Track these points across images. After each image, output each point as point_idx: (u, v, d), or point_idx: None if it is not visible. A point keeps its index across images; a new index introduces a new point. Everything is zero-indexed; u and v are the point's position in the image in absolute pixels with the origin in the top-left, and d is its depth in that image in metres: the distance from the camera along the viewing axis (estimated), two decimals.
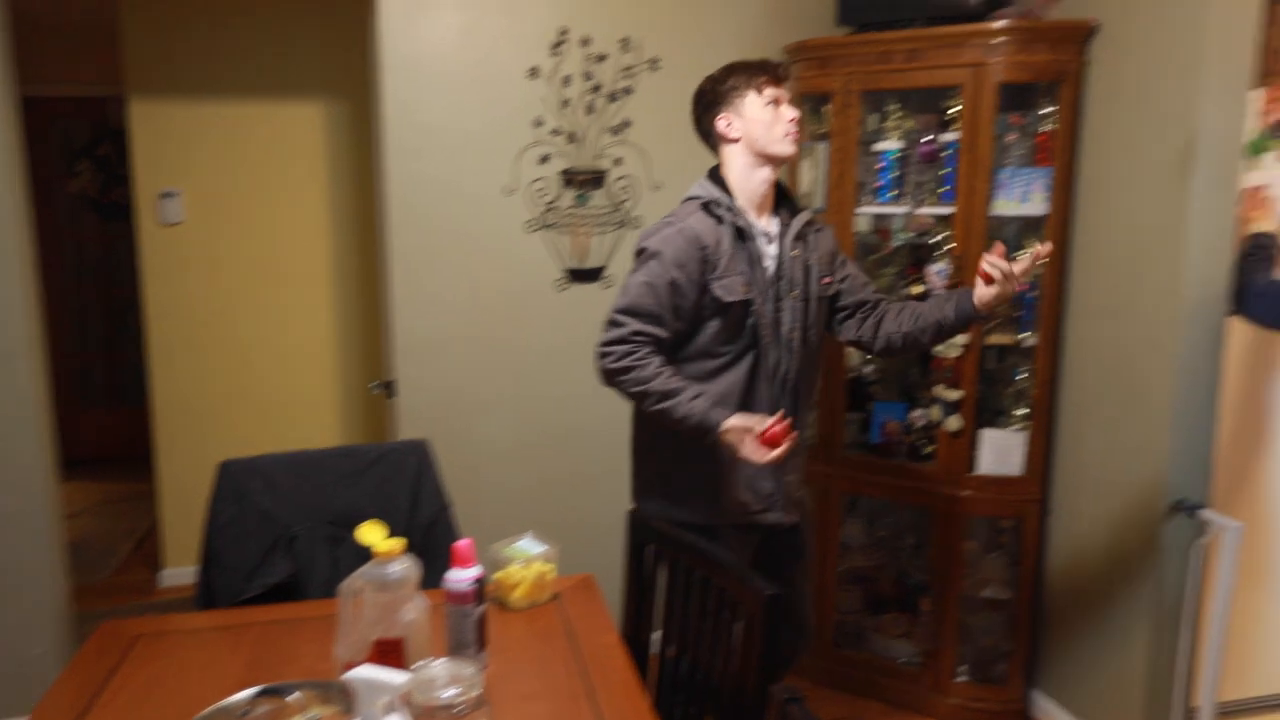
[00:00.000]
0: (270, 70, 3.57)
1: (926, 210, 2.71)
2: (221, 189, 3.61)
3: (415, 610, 1.52)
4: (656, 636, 1.91)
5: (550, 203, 2.90)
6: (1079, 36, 2.47)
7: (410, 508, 2.20)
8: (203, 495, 2.10)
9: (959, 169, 2.57)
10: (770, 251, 2.03)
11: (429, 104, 2.76)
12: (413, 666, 1.40)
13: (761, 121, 1.99)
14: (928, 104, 2.74)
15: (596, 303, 2.99)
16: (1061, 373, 2.66)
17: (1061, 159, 2.53)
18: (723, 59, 2.91)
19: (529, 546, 1.94)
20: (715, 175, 2.06)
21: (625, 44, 2.86)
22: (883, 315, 2.13)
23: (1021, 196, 2.58)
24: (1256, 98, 2.35)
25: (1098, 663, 2.59)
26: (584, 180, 2.91)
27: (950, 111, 2.64)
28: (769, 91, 1.99)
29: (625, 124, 2.90)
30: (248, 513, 2.04)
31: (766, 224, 2.04)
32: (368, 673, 1.24)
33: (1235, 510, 2.51)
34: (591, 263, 2.97)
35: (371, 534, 1.53)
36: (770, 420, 1.84)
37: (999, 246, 1.92)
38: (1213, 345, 2.30)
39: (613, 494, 3.05)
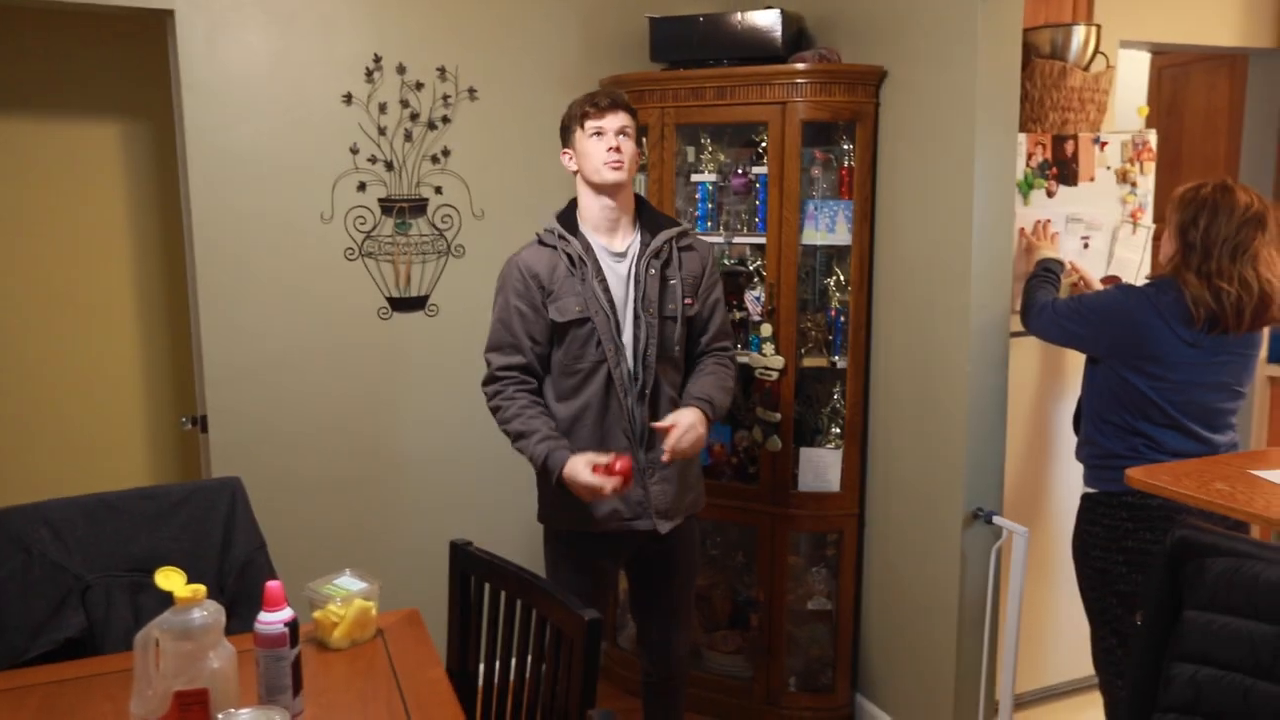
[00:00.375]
0: (59, 87, 3.33)
1: (742, 239, 2.83)
2: (2, 211, 3.32)
3: (220, 658, 1.44)
4: (485, 668, 1.89)
5: (370, 231, 2.84)
6: (870, 80, 2.66)
7: (222, 549, 2.08)
8: None
9: (769, 200, 2.71)
10: (623, 270, 2.14)
11: (234, 128, 2.66)
12: (217, 718, 1.33)
13: (585, 153, 2.11)
14: (740, 138, 2.87)
15: (421, 331, 2.95)
16: (870, 393, 2.83)
17: (861, 192, 2.71)
18: (540, 91, 2.98)
19: (348, 583, 1.88)
20: (570, 205, 2.20)
21: (442, 73, 2.85)
22: (691, 373, 2.26)
23: (828, 227, 2.74)
24: (1022, 141, 2.60)
25: (912, 664, 2.75)
26: (404, 208, 2.87)
27: (760, 146, 2.78)
28: (590, 124, 2.10)
29: (445, 152, 2.89)
30: (33, 564, 1.87)
31: (621, 244, 2.15)
32: None
33: (1024, 516, 2.74)
34: (415, 291, 2.92)
35: (170, 580, 1.44)
36: (611, 458, 1.99)
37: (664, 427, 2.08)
38: (999, 364, 2.51)
39: (438, 525, 3.00)
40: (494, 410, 2.15)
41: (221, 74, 2.63)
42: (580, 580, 2.23)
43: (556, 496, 2.15)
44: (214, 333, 2.71)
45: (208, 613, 1.43)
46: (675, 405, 2.19)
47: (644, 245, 2.15)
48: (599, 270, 2.11)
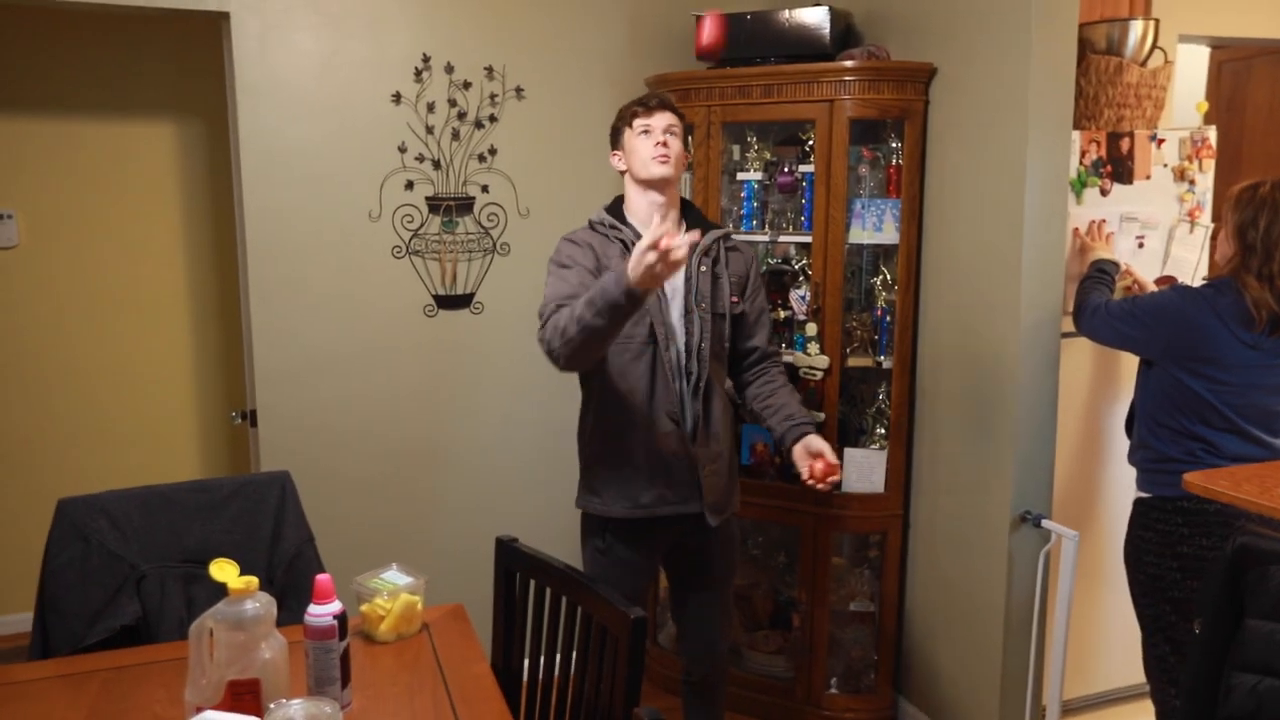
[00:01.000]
0: (115, 88, 3.42)
1: (787, 238, 2.82)
2: (61, 210, 3.41)
3: (272, 649, 1.46)
4: (530, 664, 1.90)
5: (417, 229, 2.87)
6: (920, 78, 2.63)
7: (271, 542, 2.12)
8: (40, 536, 1.96)
9: (816, 199, 2.68)
10: None
11: (286, 128, 2.70)
12: (269, 707, 1.35)
13: (633, 150, 2.15)
14: (786, 136, 2.85)
15: (467, 329, 2.97)
16: (916, 393, 2.80)
17: (909, 191, 2.67)
18: (586, 90, 2.99)
19: (395, 578, 1.90)
20: (617, 201, 2.23)
21: (490, 72, 2.87)
22: (752, 380, 2.28)
23: (875, 226, 2.71)
24: (1076, 139, 2.55)
25: (956, 668, 2.71)
26: (451, 206, 2.90)
27: (807, 144, 2.76)
28: (638, 122, 2.15)
29: (492, 151, 2.91)
30: (91, 553, 1.92)
31: None
32: (215, 718, 1.19)
33: (1074, 520, 2.69)
34: (461, 289, 2.95)
35: (224, 571, 1.47)
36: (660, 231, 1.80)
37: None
38: (1050, 365, 2.47)
39: (483, 522, 3.03)
40: (551, 332, 1.99)
41: (274, 75, 2.67)
42: (620, 572, 2.23)
43: (601, 479, 2.19)
44: (264, 329, 2.76)
45: (260, 604, 1.45)
46: (725, 401, 2.22)
47: (692, 245, 2.15)
48: (637, 237, 2.12)
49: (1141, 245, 2.69)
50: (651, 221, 2.15)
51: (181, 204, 3.55)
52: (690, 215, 2.25)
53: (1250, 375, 2.13)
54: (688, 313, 2.15)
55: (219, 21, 2.67)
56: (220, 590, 1.48)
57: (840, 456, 2.77)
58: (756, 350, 2.28)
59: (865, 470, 2.81)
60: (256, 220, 2.71)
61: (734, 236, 2.30)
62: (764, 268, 2.99)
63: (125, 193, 3.48)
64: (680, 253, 1.77)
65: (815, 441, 2.12)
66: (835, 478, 2.08)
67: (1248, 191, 2.15)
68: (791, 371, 2.79)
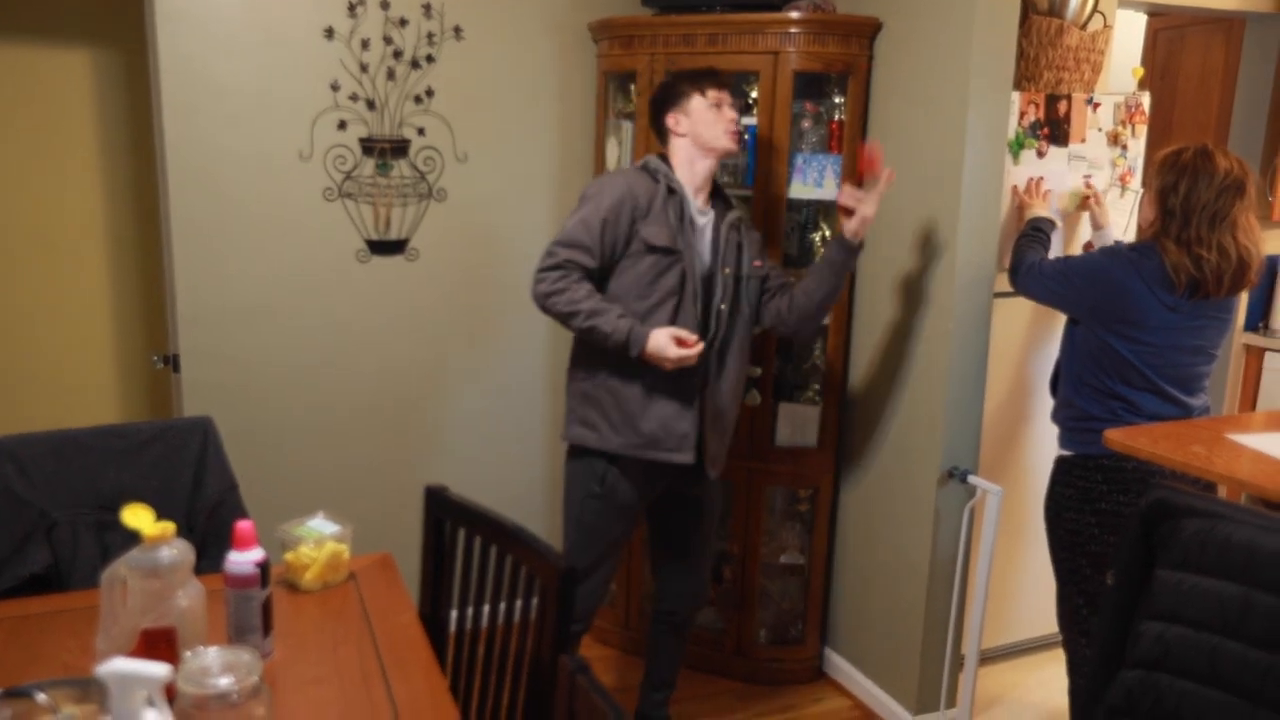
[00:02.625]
0: (22, 9, 3.21)
1: (729, 192, 2.78)
2: None
3: (189, 597, 1.42)
4: (458, 614, 1.88)
5: (350, 171, 2.78)
6: (865, 32, 2.61)
7: (192, 489, 2.07)
8: None
9: (758, 153, 2.66)
10: (702, 225, 2.26)
11: (211, 60, 2.57)
12: (185, 656, 1.31)
13: (705, 120, 2.23)
14: (730, 88, 2.81)
15: (400, 276, 2.90)
16: (852, 349, 2.82)
17: (850, 147, 2.67)
18: (527, 32, 2.91)
19: (321, 526, 1.86)
20: (662, 158, 2.28)
21: (427, 10, 2.77)
22: (792, 292, 2.36)
23: (816, 181, 2.70)
24: (1015, 100, 2.57)
25: (882, 619, 2.78)
26: (385, 149, 2.81)
27: (751, 97, 2.73)
28: (712, 94, 2.24)
29: (429, 92, 2.82)
30: None
31: (703, 207, 2.28)
32: (123, 666, 1.15)
33: (998, 476, 2.76)
34: (394, 234, 2.87)
35: (138, 517, 1.41)
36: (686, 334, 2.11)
37: (870, 149, 2.27)
38: (982, 324, 2.50)
39: (414, 469, 2.99)
40: (554, 292, 2.11)
41: (199, 2, 2.54)
42: (605, 518, 2.28)
43: (597, 413, 2.24)
44: (187, 270, 2.66)
45: (176, 551, 1.40)
46: (741, 365, 2.33)
47: (719, 214, 2.29)
48: (690, 217, 2.22)
49: (1089, 184, 2.72)
50: (695, 186, 2.25)
51: (98, 136, 3.38)
52: (719, 193, 2.35)
53: (1170, 337, 2.18)
54: (710, 276, 2.24)
55: None
56: (137, 538, 1.43)
57: (774, 411, 2.82)
58: (786, 285, 2.37)
59: (799, 425, 2.84)
60: (179, 155, 2.60)
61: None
62: None
63: (35, 123, 3.29)
64: (691, 358, 2.09)
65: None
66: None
67: (1171, 157, 2.18)
68: None
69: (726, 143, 2.23)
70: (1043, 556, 2.48)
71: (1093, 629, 2.17)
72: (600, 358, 2.22)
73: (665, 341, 2.08)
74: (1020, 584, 2.97)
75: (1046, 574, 2.47)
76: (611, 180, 2.22)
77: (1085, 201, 2.70)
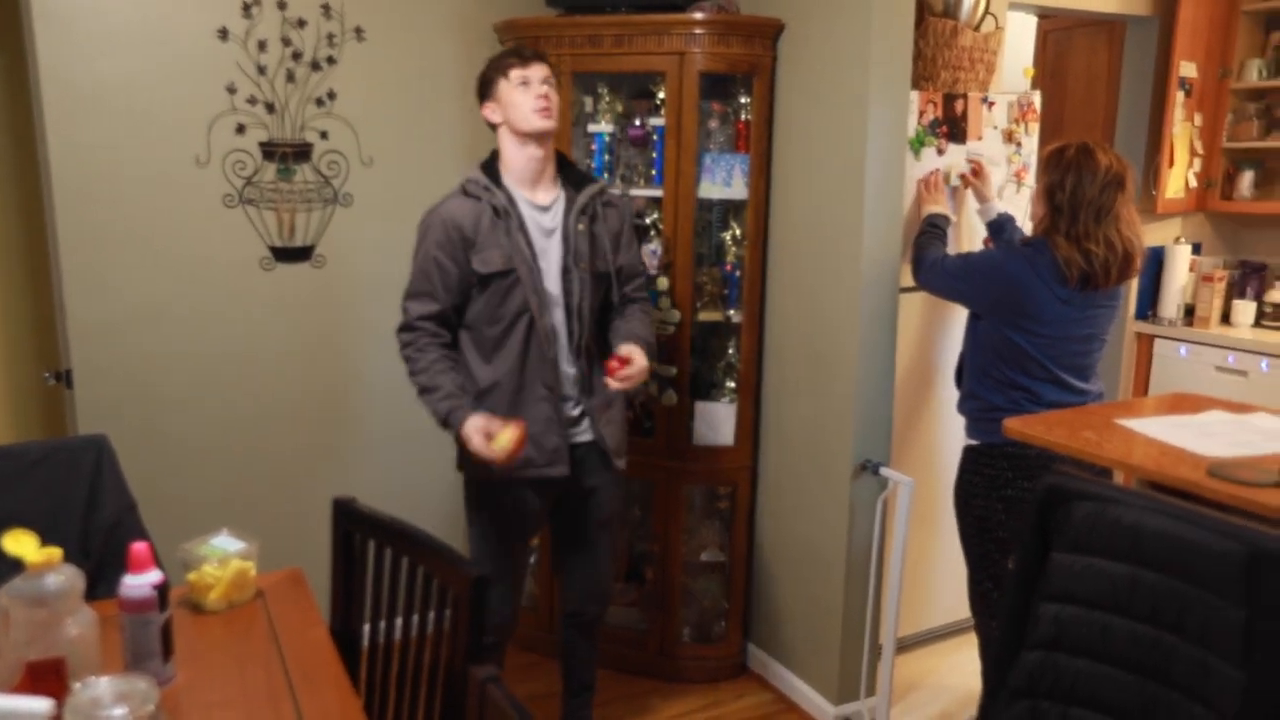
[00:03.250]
0: None
1: (638, 192, 2.80)
2: None
3: (79, 625, 1.36)
4: (370, 627, 1.84)
5: (250, 177, 2.70)
6: (767, 33, 2.65)
7: (86, 510, 1.98)
8: None
9: (666, 153, 2.68)
10: (548, 224, 2.16)
11: (96, 61, 2.47)
12: (74, 687, 1.26)
13: (512, 103, 2.11)
14: (638, 88, 2.83)
15: (307, 283, 2.83)
16: (765, 347, 2.86)
17: (757, 146, 2.70)
18: (431, 33, 2.87)
19: (225, 544, 1.80)
20: (492, 157, 2.20)
21: (326, 10, 2.71)
22: (612, 320, 2.29)
23: (725, 181, 2.73)
24: (914, 99, 2.64)
25: (802, 612, 2.82)
26: (287, 153, 2.73)
27: (658, 97, 2.74)
28: (515, 73, 2.11)
29: (331, 95, 2.76)
30: None
31: (545, 198, 2.18)
32: (3, 702, 1.09)
33: (908, 467, 2.83)
34: (300, 240, 2.80)
35: (20, 543, 1.35)
36: (509, 428, 2.02)
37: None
38: (888, 319, 2.56)
39: (322, 481, 2.92)
40: (406, 359, 2.16)
41: (79, 1, 2.43)
42: (499, 526, 2.25)
43: None
44: (78, 282, 2.55)
45: (64, 577, 1.34)
46: (604, 357, 2.23)
47: (569, 201, 2.19)
48: (522, 223, 2.13)
49: (977, 173, 2.79)
50: (529, 178, 2.15)
51: None
52: (566, 170, 2.24)
53: (1065, 328, 2.27)
54: (565, 272, 2.15)
55: None
56: (21, 565, 1.36)
57: (690, 410, 2.83)
58: (623, 297, 2.29)
59: (716, 423, 2.86)
60: (64, 161, 2.49)
61: (607, 191, 2.29)
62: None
63: None
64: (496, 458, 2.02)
65: (625, 347, 2.14)
66: (625, 372, 2.10)
67: (1054, 155, 2.27)
68: None
69: (536, 121, 2.08)
70: (954, 544, 2.55)
71: (999, 612, 2.24)
72: (472, 393, 2.18)
73: (471, 433, 2.03)
74: (933, 572, 3.05)
75: (958, 561, 2.54)
76: (431, 218, 2.14)
77: (964, 178, 2.77)
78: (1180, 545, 1.31)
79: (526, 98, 2.09)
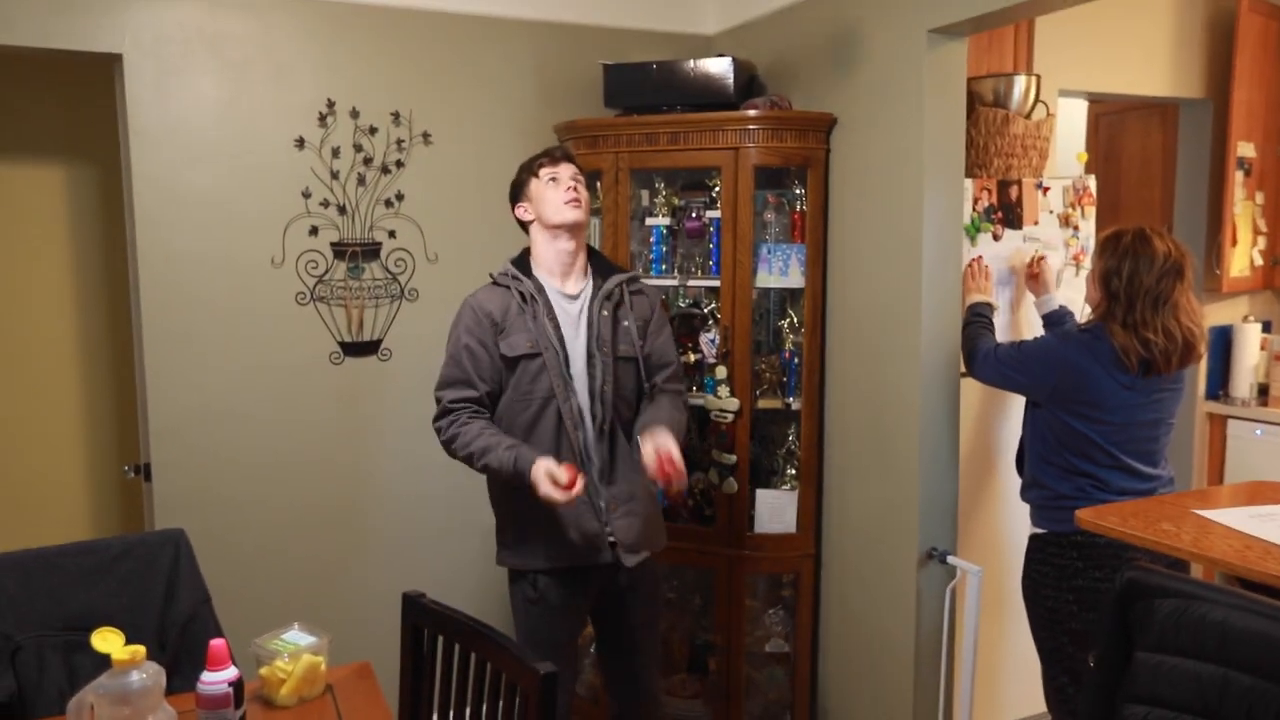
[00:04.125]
0: (3, 129, 3.27)
1: (696, 282, 2.85)
2: None
3: None
4: None
5: (322, 275, 2.82)
6: (821, 127, 2.72)
7: (164, 605, 2.03)
8: None
9: (723, 244, 2.73)
10: (576, 311, 2.22)
11: (183, 173, 2.62)
12: None
13: (543, 198, 2.21)
14: (693, 182, 2.90)
15: (374, 375, 2.91)
16: (825, 433, 2.85)
17: (813, 236, 2.74)
18: (494, 135, 3.00)
19: (296, 638, 1.83)
20: (524, 253, 2.29)
21: (396, 117, 2.85)
22: (644, 409, 2.27)
23: (781, 270, 2.77)
24: (968, 186, 2.67)
25: (870, 704, 2.74)
26: (357, 252, 2.85)
27: (714, 190, 2.81)
28: (545, 171, 2.22)
29: (399, 196, 2.88)
30: None
31: (575, 288, 2.24)
32: None
33: (975, 554, 2.77)
34: (368, 335, 2.89)
35: (107, 641, 1.39)
36: (564, 467, 2.02)
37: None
38: (950, 405, 2.54)
39: (392, 576, 2.95)
40: (450, 439, 2.15)
41: (170, 119, 2.60)
42: (551, 620, 2.23)
43: (515, 536, 2.22)
44: (159, 379, 2.65)
45: (147, 675, 1.38)
46: (629, 443, 2.22)
47: (596, 288, 2.24)
48: (550, 309, 2.19)
49: (1043, 259, 2.79)
50: (559, 270, 2.22)
51: (72, 250, 3.41)
52: (596, 261, 2.30)
53: (1130, 414, 2.23)
54: (589, 358, 2.19)
55: (111, 64, 2.59)
56: (107, 661, 1.40)
57: (752, 498, 2.82)
58: (654, 386, 2.30)
59: (777, 511, 2.84)
60: (151, 267, 2.62)
61: (642, 280, 2.34)
62: (674, 311, 3.03)
63: (12, 237, 3.32)
64: (567, 502, 2.02)
65: (661, 435, 2.10)
66: (680, 484, 2.09)
67: (1110, 240, 2.26)
68: (702, 414, 2.83)
69: (565, 214, 2.16)
70: (1024, 635, 2.47)
71: (1078, 710, 2.15)
72: (504, 486, 2.18)
73: (540, 477, 2.01)
74: (1006, 662, 2.95)
75: (1029, 653, 2.46)
76: (462, 310, 2.21)
77: (1029, 271, 2.74)
78: (1274, 645, 1.26)
79: (556, 192, 2.18)
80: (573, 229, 2.19)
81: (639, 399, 2.27)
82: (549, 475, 2.00)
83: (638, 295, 2.29)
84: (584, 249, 2.26)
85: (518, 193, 2.27)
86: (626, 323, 2.23)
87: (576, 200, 2.18)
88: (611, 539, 2.19)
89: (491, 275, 2.26)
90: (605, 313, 2.21)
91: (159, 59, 2.57)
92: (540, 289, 2.20)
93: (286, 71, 2.72)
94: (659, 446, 2.07)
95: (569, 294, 2.23)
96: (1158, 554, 1.86)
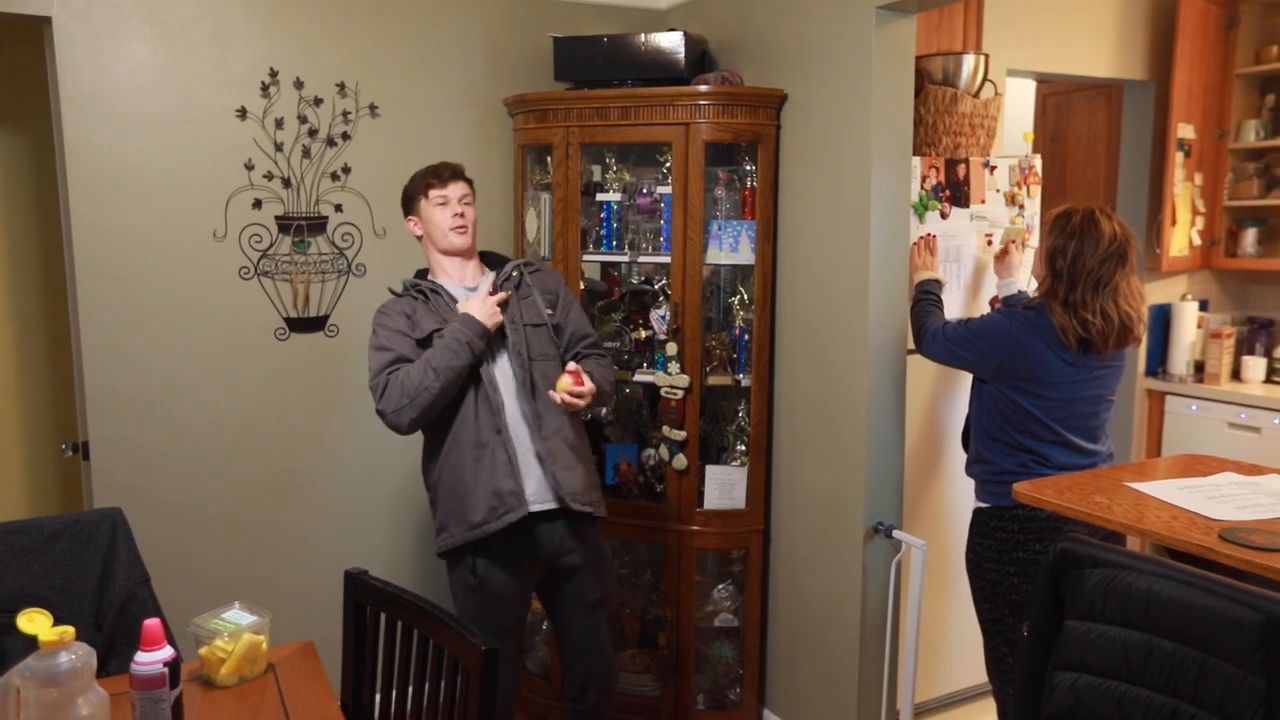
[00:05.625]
0: None
1: (647, 258, 2.85)
2: None
3: (90, 704, 1.36)
4: (381, 700, 1.83)
5: (266, 249, 2.76)
6: (771, 103, 2.71)
7: (100, 585, 1.99)
8: None
9: (674, 220, 2.73)
10: (480, 292, 2.28)
11: (119, 142, 2.55)
12: None
13: (431, 220, 2.29)
14: (645, 158, 2.89)
15: (321, 352, 2.87)
16: (775, 410, 2.87)
17: (763, 213, 2.75)
18: (443, 108, 2.95)
19: (237, 617, 1.81)
20: (421, 272, 2.37)
21: (342, 89, 2.79)
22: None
23: (732, 246, 2.77)
24: (917, 164, 2.69)
25: (817, 677, 2.78)
26: (302, 226, 2.80)
27: (665, 166, 2.80)
28: (434, 193, 2.28)
29: (346, 169, 2.83)
30: None
31: (473, 281, 2.34)
32: None
33: (920, 529, 2.81)
34: (314, 311, 2.84)
35: (34, 622, 1.36)
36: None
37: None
38: (897, 381, 2.57)
39: (336, 554, 2.92)
40: (398, 398, 2.14)
41: (105, 85, 2.52)
42: (493, 605, 2.23)
43: (443, 513, 2.25)
44: (97, 355, 2.59)
45: (76, 656, 1.35)
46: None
47: (496, 274, 2.32)
48: (451, 298, 2.28)
49: (990, 242, 2.84)
50: (455, 275, 2.32)
51: (3, 222, 3.30)
52: (489, 259, 2.41)
53: (1072, 390, 2.27)
54: (500, 336, 2.26)
55: (40, 27, 2.50)
56: (37, 644, 1.37)
57: (702, 474, 2.84)
58: (577, 355, 2.36)
59: (726, 487, 2.86)
60: (87, 239, 2.55)
61: (533, 262, 2.42)
62: (626, 288, 3.02)
63: None
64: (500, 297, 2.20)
65: (574, 363, 2.23)
66: (582, 394, 2.17)
67: (1061, 219, 2.29)
68: (653, 391, 2.83)
69: (451, 240, 2.26)
70: (969, 607, 2.52)
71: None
72: (429, 460, 2.27)
73: (476, 305, 2.17)
74: (950, 635, 3.01)
75: (974, 624, 2.51)
76: (375, 317, 2.27)
77: (1008, 245, 2.78)
78: (1195, 613, 1.30)
79: (444, 216, 2.25)
80: (460, 252, 2.29)
81: (560, 362, 2.31)
82: (480, 299, 2.16)
83: (536, 274, 2.36)
84: (475, 254, 2.35)
85: (409, 206, 2.34)
86: (531, 297, 2.30)
87: (463, 227, 2.26)
88: (553, 510, 2.22)
89: (391, 290, 2.36)
90: (507, 293, 2.28)
91: (90, 23, 2.49)
92: (440, 287, 2.28)
93: (227, 39, 2.65)
94: (569, 368, 2.20)
95: (469, 286, 2.32)
96: (1096, 527, 1.90)
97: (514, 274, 2.33)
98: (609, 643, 2.42)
